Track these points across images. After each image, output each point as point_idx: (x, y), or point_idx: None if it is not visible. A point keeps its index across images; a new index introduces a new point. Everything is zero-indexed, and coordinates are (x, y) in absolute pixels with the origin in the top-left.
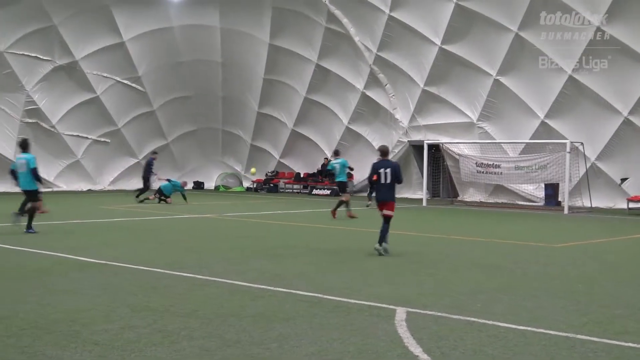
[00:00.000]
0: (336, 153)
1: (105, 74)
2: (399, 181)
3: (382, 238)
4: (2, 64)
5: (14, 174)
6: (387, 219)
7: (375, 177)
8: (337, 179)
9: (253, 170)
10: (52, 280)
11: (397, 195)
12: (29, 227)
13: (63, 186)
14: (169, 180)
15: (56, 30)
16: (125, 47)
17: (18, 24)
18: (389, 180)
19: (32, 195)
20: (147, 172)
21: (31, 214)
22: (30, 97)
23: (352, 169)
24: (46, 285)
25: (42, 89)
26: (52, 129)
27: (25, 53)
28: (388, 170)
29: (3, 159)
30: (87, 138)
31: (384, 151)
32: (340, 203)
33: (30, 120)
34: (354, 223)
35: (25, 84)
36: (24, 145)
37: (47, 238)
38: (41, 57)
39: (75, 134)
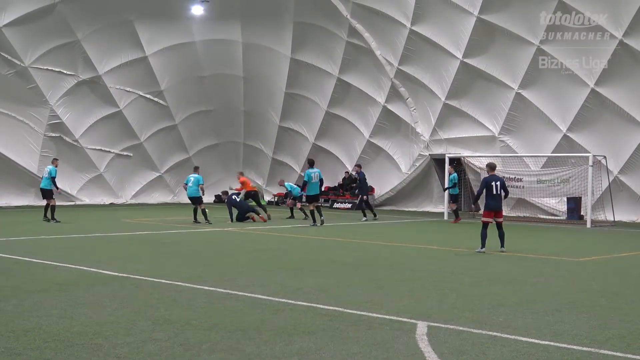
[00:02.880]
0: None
1: (127, 89)
2: (507, 193)
3: (503, 242)
4: (27, 79)
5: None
6: (500, 225)
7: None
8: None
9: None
10: (75, 293)
11: (418, 209)
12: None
13: (85, 199)
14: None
15: (80, 45)
16: (148, 62)
17: (42, 39)
18: (499, 192)
19: (317, 199)
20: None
21: (316, 211)
22: (54, 112)
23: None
24: (69, 298)
25: (65, 103)
26: (75, 143)
27: (49, 68)
28: (498, 182)
29: (27, 173)
30: (109, 152)
31: (492, 167)
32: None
33: (53, 134)
34: (374, 236)
35: (49, 99)
36: (311, 162)
37: (70, 251)
38: (65, 71)
39: (98, 147)
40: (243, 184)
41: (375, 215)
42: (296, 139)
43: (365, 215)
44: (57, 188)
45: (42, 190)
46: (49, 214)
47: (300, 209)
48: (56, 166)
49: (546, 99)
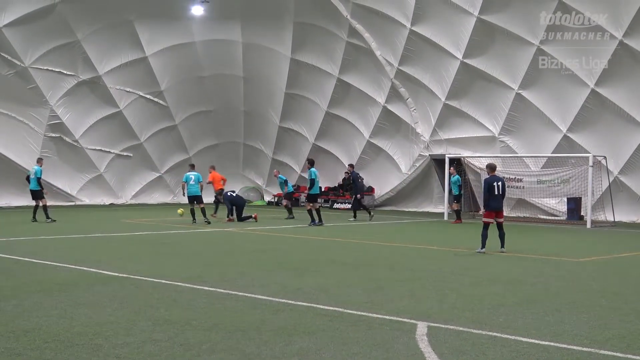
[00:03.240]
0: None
1: (128, 89)
2: (504, 195)
3: (503, 242)
4: (27, 79)
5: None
6: (501, 225)
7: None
8: (456, 193)
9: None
10: (75, 294)
11: (418, 209)
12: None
13: (85, 200)
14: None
15: (80, 45)
16: (148, 62)
17: (42, 39)
18: (501, 192)
19: (317, 199)
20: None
21: (315, 212)
22: (54, 112)
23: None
24: (69, 298)
25: (65, 104)
26: (75, 143)
27: (49, 68)
28: (500, 183)
29: (27, 174)
30: (109, 152)
31: (493, 168)
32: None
33: (53, 135)
34: (374, 236)
35: (49, 99)
36: (312, 162)
37: (70, 251)
38: (65, 72)
39: (98, 148)
40: (213, 180)
41: (370, 214)
42: (296, 139)
43: (355, 216)
44: (43, 188)
45: (31, 192)
46: (45, 216)
47: (286, 206)
48: (41, 166)
49: (546, 99)
